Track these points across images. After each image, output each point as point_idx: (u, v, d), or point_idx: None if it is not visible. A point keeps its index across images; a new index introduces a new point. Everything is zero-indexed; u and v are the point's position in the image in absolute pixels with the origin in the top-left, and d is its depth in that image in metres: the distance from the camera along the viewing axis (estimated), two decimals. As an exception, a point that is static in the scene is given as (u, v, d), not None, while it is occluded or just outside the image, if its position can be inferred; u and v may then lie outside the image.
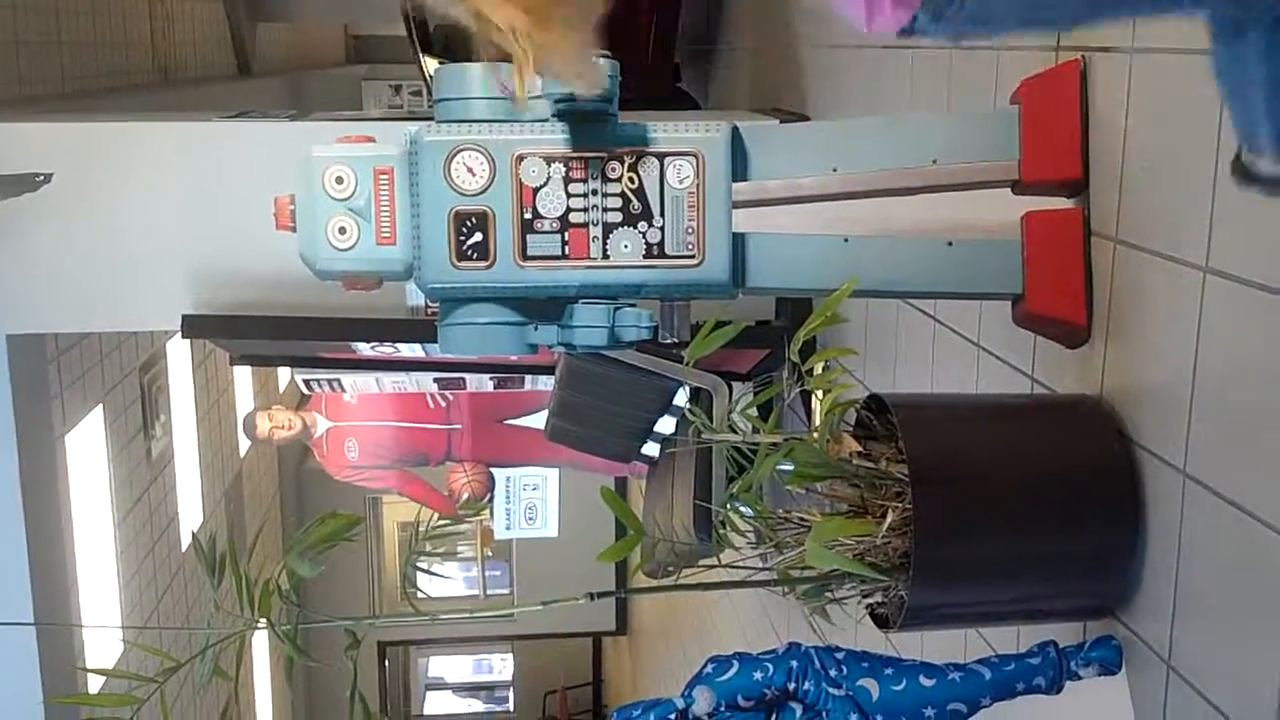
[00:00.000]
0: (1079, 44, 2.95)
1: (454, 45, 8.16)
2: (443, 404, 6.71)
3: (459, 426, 6.71)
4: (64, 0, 7.02)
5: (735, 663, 2.84)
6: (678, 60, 7.68)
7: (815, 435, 2.80)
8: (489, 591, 15.48)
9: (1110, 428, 2.81)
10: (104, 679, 5.22)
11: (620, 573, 11.54)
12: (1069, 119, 2.89)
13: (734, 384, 5.16)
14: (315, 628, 3.09)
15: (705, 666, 2.86)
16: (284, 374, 11.06)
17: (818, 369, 3.15)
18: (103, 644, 6.67)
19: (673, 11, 7.33)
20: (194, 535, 3.44)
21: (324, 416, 6.70)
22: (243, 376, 10.22)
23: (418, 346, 5.54)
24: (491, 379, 6.25)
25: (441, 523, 4.04)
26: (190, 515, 8.53)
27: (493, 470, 6.91)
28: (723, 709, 2.81)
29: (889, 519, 2.71)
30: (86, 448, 6.53)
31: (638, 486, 7.99)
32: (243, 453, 10.33)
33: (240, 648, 2.96)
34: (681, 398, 5.16)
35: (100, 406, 6.74)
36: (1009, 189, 2.94)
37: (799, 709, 2.81)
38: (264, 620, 2.93)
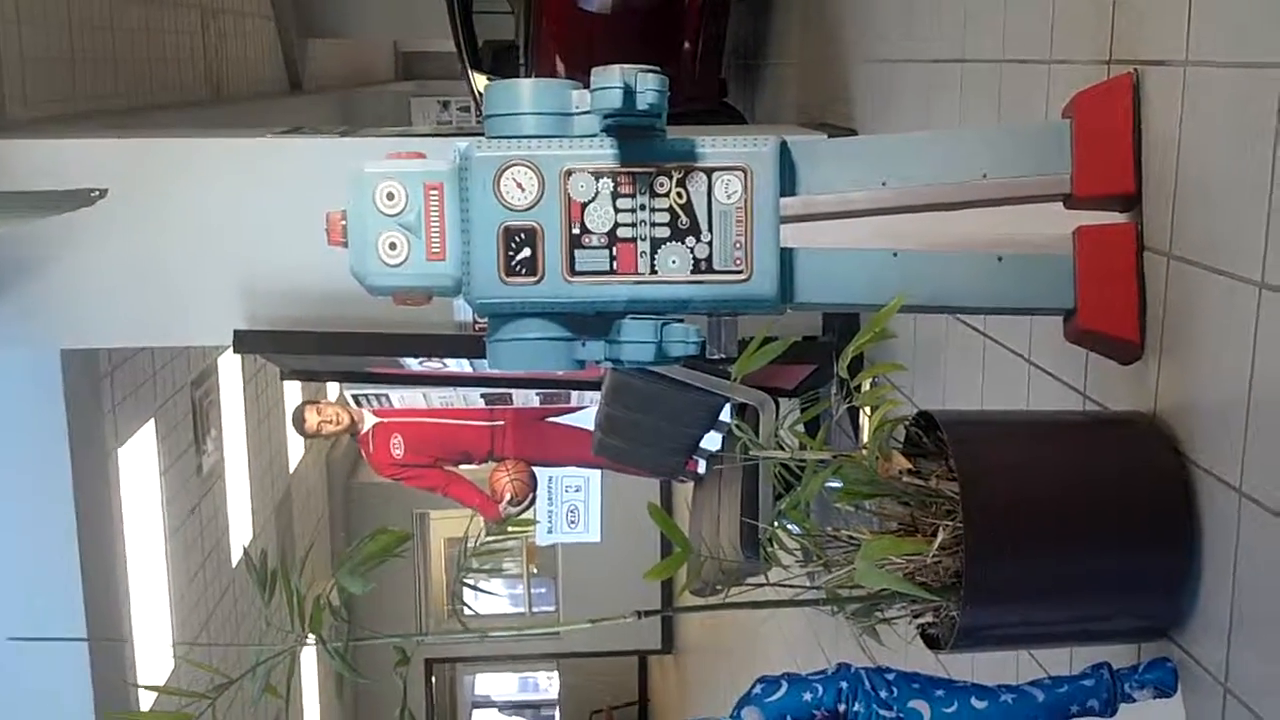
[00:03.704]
0: (1131, 57, 2.92)
1: (502, 62, 8.20)
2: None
3: (502, 423, 6.70)
4: (118, 17, 7.13)
5: (784, 683, 2.82)
6: (724, 75, 7.68)
7: (864, 452, 2.77)
8: (534, 609, 15.49)
9: (1164, 445, 2.77)
10: (155, 696, 5.26)
11: (667, 591, 11.51)
12: (1122, 132, 2.86)
13: (781, 400, 5.14)
14: (364, 644, 3.09)
15: (754, 687, 2.84)
16: (333, 389, 11.14)
17: (865, 385, 3.12)
18: (154, 660, 6.73)
19: (719, 26, 7.33)
20: (245, 551, 3.46)
21: (371, 412, 6.72)
22: (292, 391, 10.30)
23: (465, 361, 5.56)
24: (538, 394, 6.25)
25: (488, 539, 4.04)
26: (240, 531, 8.60)
27: (535, 470, 6.87)
28: (771, 730, 2.78)
29: (940, 538, 2.68)
30: (138, 462, 6.61)
31: (683, 495, 7.95)
32: (292, 468, 10.39)
33: (291, 665, 2.96)
34: (727, 414, 5.14)
35: (152, 421, 6.81)
36: (1060, 203, 2.91)
37: (848, 730, 2.79)
38: (314, 637, 2.94)
